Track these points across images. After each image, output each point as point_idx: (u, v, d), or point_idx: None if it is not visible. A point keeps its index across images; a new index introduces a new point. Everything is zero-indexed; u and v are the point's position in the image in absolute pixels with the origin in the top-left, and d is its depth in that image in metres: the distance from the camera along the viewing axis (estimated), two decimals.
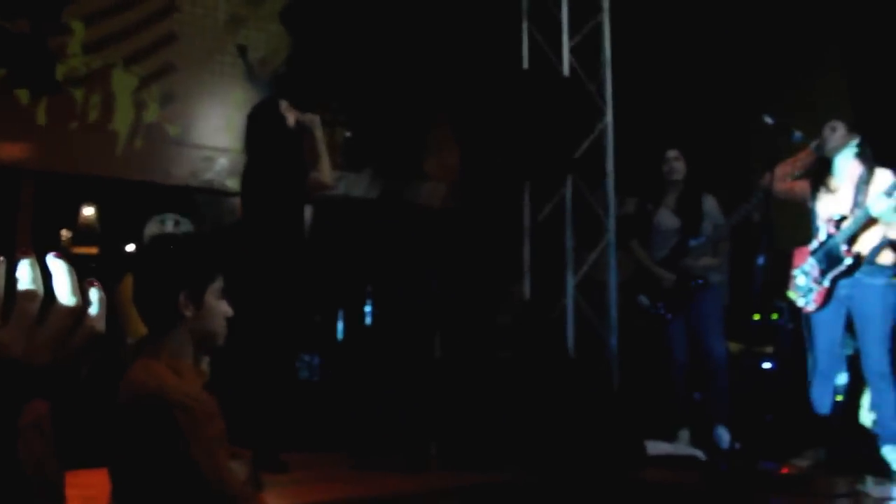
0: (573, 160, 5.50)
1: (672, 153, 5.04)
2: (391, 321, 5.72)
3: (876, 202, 4.02)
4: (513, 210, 5.75)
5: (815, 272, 4.31)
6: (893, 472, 4.04)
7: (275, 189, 4.00)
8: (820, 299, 4.29)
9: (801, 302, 4.38)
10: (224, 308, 1.93)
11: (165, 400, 1.74)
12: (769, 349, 5.71)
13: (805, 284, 4.37)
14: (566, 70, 5.70)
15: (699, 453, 4.62)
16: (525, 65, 5.82)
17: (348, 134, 5.70)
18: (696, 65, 6.52)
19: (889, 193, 3.97)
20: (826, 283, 4.26)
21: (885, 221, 4.05)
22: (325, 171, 4.14)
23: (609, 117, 5.68)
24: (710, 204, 4.98)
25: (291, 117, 4.03)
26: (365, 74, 5.61)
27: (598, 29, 5.79)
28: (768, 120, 4.09)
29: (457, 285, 5.61)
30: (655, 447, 4.67)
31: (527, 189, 5.79)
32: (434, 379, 4.93)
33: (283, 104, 4.05)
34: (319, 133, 4.11)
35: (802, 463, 4.19)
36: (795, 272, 4.42)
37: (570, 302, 5.55)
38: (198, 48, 5.21)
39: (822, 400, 4.28)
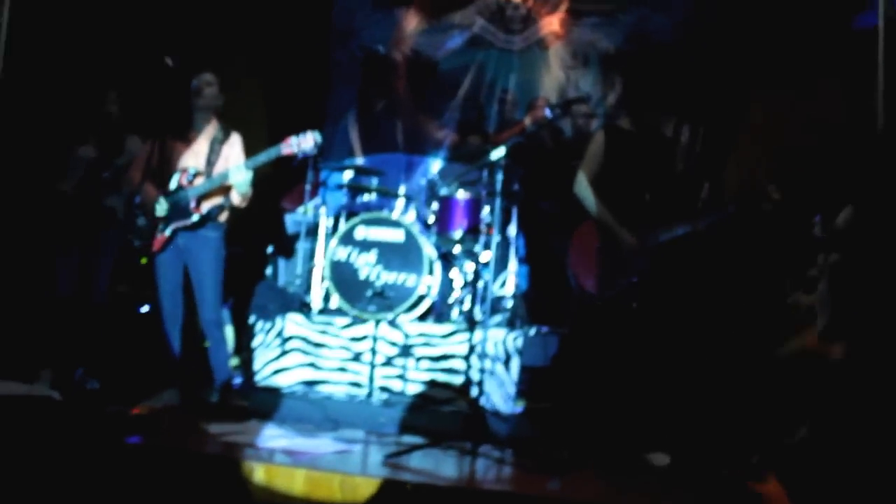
0: None
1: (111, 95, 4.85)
2: None
3: (236, 173, 4.28)
4: None
5: (159, 218, 4.43)
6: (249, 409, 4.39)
7: None
8: (159, 245, 4.42)
9: (138, 244, 4.47)
10: None
11: None
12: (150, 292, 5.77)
13: (144, 227, 4.46)
14: None
15: (55, 394, 4.43)
16: None
17: None
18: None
19: (249, 167, 4.28)
20: (167, 232, 4.41)
21: (239, 191, 4.36)
22: None
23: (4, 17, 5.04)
24: (135, 143, 4.85)
25: None
26: None
27: None
28: (169, 62, 4.11)
29: None
30: (6, 387, 4.35)
31: None
32: None
33: None
34: None
35: (155, 404, 4.29)
36: (138, 213, 4.49)
37: None
38: None
39: (173, 342, 4.44)
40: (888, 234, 3.17)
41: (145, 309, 5.56)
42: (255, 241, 6.12)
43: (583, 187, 4.17)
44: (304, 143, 4.25)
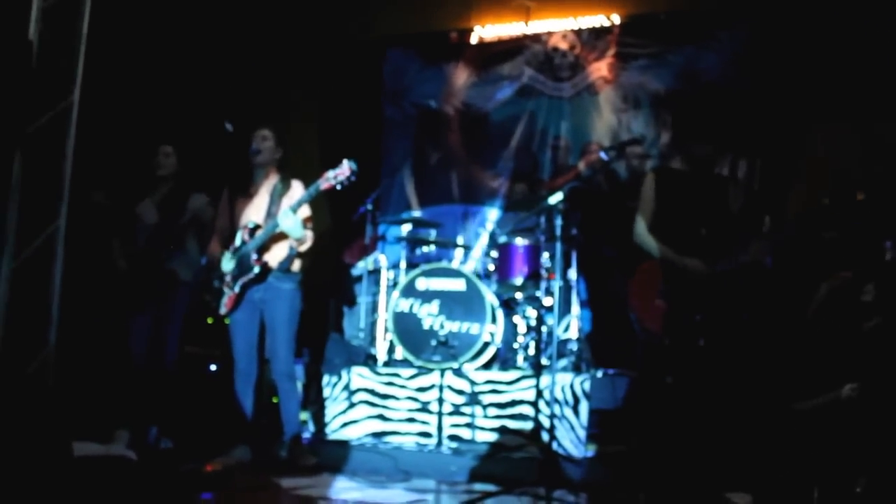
0: (24, 134, 4.97)
1: (165, 149, 4.96)
2: None
3: (283, 218, 4.29)
4: None
5: (228, 277, 4.46)
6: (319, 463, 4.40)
7: None
8: (230, 303, 4.43)
9: (215, 304, 4.50)
10: None
11: None
12: (218, 351, 5.87)
13: (218, 288, 4.50)
14: (33, 34, 5.16)
15: (131, 454, 4.50)
16: None
17: None
18: (183, 68, 6.47)
19: (294, 210, 4.30)
20: (237, 289, 4.42)
21: (292, 236, 4.38)
22: None
23: (76, 96, 5.28)
24: (198, 201, 4.93)
25: None
26: None
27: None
28: (228, 127, 4.23)
29: None
30: (84, 448, 4.43)
31: None
32: None
33: None
34: None
35: (227, 461, 4.32)
36: (213, 275, 4.55)
37: (2, 289, 4.98)
38: None
39: (245, 400, 4.46)
40: None
41: (214, 368, 5.66)
42: (321, 296, 6.19)
43: (642, 234, 4.14)
44: (341, 173, 4.21)
